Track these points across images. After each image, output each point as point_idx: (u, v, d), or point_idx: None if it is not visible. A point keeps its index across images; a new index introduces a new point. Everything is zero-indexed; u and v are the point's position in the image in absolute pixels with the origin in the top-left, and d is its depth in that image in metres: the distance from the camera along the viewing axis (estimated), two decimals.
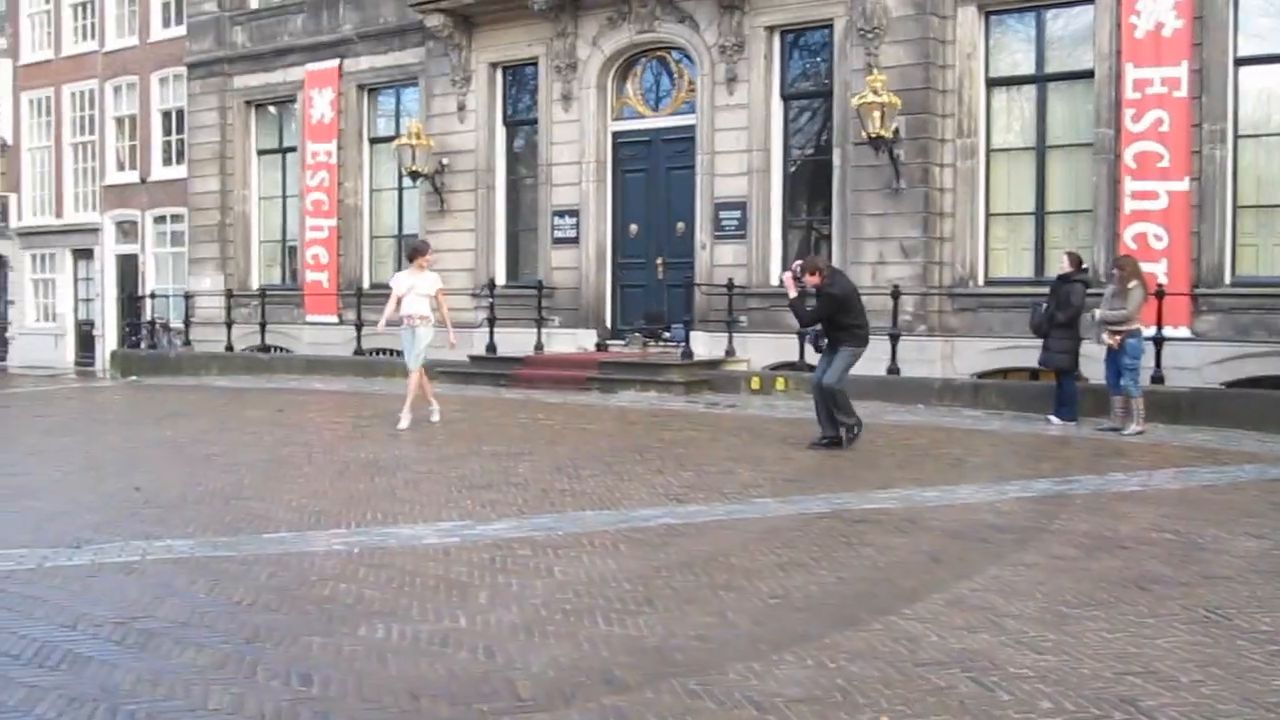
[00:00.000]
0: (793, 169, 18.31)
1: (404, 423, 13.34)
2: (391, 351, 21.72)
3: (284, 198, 24.96)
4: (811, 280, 11.45)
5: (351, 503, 8.99)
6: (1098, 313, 13.03)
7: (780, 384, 16.26)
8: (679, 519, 8.27)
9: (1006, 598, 6.13)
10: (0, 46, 30.75)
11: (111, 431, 14.52)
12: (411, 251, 14.34)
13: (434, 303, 13.78)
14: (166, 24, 27.13)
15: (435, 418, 13.74)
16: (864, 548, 7.30)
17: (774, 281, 18.00)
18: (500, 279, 20.90)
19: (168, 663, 5.15)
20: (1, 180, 31.39)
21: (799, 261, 12.16)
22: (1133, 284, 12.83)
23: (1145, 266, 13.84)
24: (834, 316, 11.47)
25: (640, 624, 5.69)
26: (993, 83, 16.72)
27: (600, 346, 19.39)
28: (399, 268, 23.81)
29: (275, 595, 6.24)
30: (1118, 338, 12.71)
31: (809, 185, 18.35)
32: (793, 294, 11.66)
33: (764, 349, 17.67)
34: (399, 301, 13.71)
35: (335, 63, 23.19)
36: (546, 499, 9.11)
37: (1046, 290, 14.00)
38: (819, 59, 18.00)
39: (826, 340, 11.71)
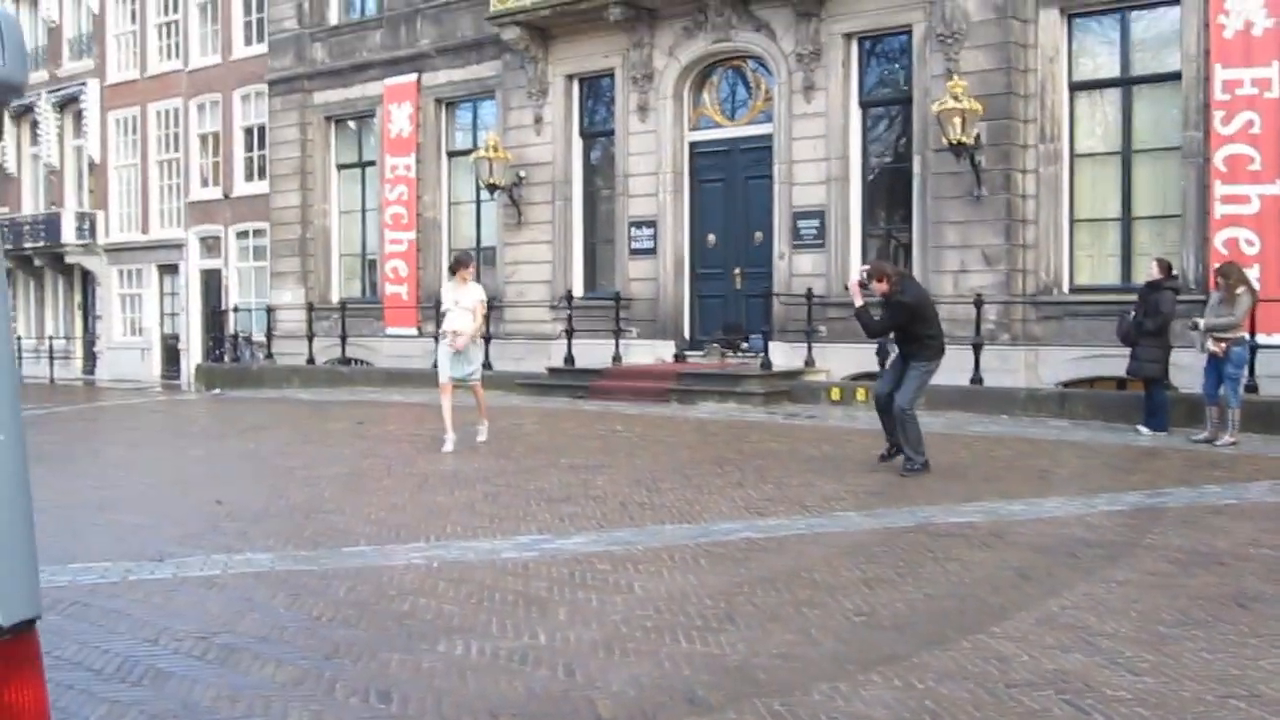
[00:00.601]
0: (872, 177, 18.12)
1: (447, 445, 12.61)
2: None
3: (363, 211, 25.21)
4: (879, 288, 10.52)
5: (430, 516, 8.98)
6: (1202, 320, 12.64)
7: (861, 395, 16.04)
8: (760, 533, 8.15)
9: (1099, 616, 5.94)
10: (88, 67, 31.43)
11: (195, 444, 14.70)
12: (454, 264, 13.66)
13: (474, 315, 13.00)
14: (248, 42, 27.56)
15: (482, 437, 13.14)
16: (950, 563, 7.14)
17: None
18: (578, 291, 20.90)
19: (247, 678, 5.15)
20: (90, 198, 32.10)
21: (865, 267, 11.50)
22: (1240, 290, 12.45)
23: None
24: (905, 327, 10.58)
25: (722, 642, 5.59)
26: (1076, 86, 16.41)
27: (678, 358, 19.31)
28: (478, 280, 24.06)
29: (354, 610, 6.23)
30: (1223, 345, 12.34)
31: (888, 193, 18.15)
32: (858, 302, 10.72)
33: (844, 359, 17.49)
34: (443, 316, 13.16)
35: (413, 77, 23.38)
36: (625, 512, 9.04)
37: (1134, 297, 13.68)
38: (897, 65, 17.81)
39: (899, 352, 10.92)
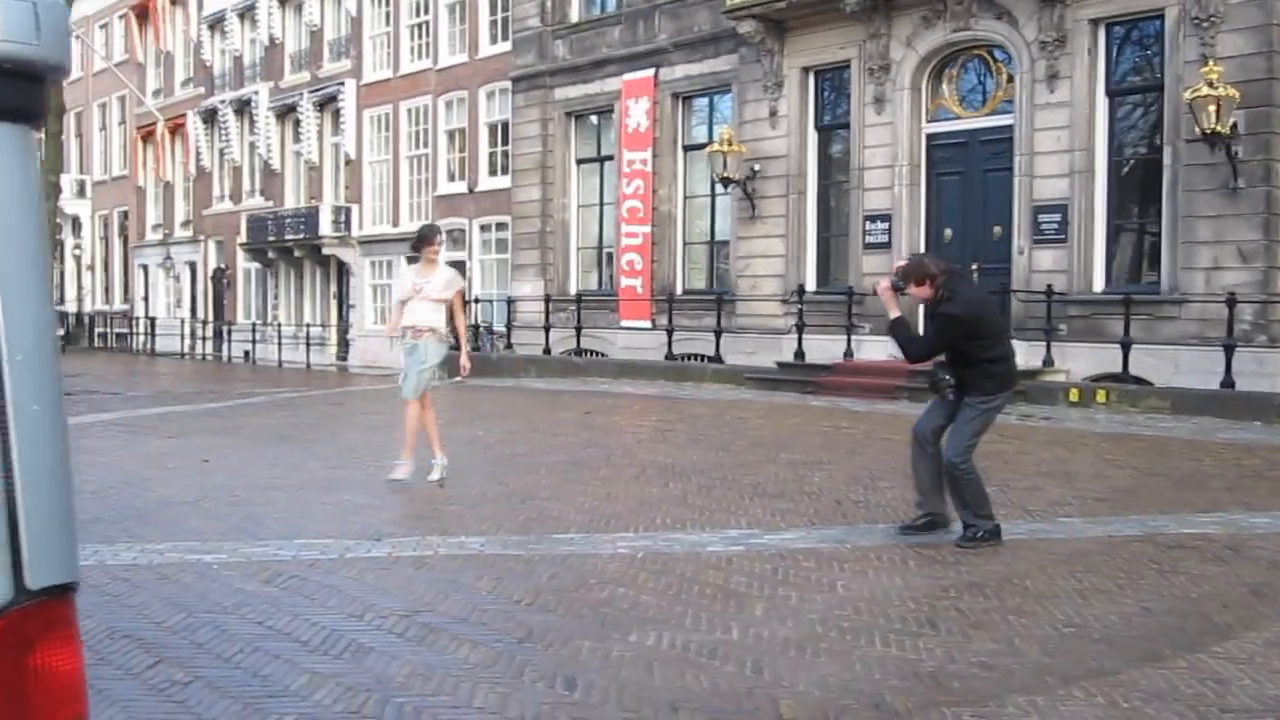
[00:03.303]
0: (1118, 169, 17.28)
1: (399, 472, 9.96)
2: (702, 356, 21.94)
3: (601, 205, 25.60)
4: (919, 292, 7.55)
5: (642, 507, 9.02)
6: None
7: (1101, 396, 15.35)
8: None
9: None
10: (345, 68, 32.93)
11: None
12: (417, 239, 10.50)
13: (448, 310, 10.20)
14: (494, 40, 28.33)
15: (436, 475, 9.97)
16: (1176, 576, 6.72)
17: (1097, 288, 17.08)
18: (810, 285, 20.70)
19: (442, 657, 5.27)
20: (345, 192, 33.63)
21: (900, 264, 8.27)
22: None
23: None
24: (957, 346, 7.52)
25: (920, 647, 5.41)
26: None
27: None
28: (712, 274, 24.17)
29: (553, 596, 6.30)
30: None
31: (1136, 186, 17.29)
32: (893, 312, 7.72)
33: (1085, 359, 16.77)
34: (402, 308, 10.25)
35: (651, 72, 23.59)
36: (839, 510, 8.88)
37: None
38: (1148, 51, 16.92)
39: (952, 381, 7.64)
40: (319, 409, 18.14)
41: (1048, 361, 16.77)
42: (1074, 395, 15.65)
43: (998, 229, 18.28)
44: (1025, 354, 17.04)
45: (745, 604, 6.16)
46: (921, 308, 7.76)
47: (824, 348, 19.14)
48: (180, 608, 6.10)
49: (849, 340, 19.00)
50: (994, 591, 6.38)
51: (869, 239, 19.72)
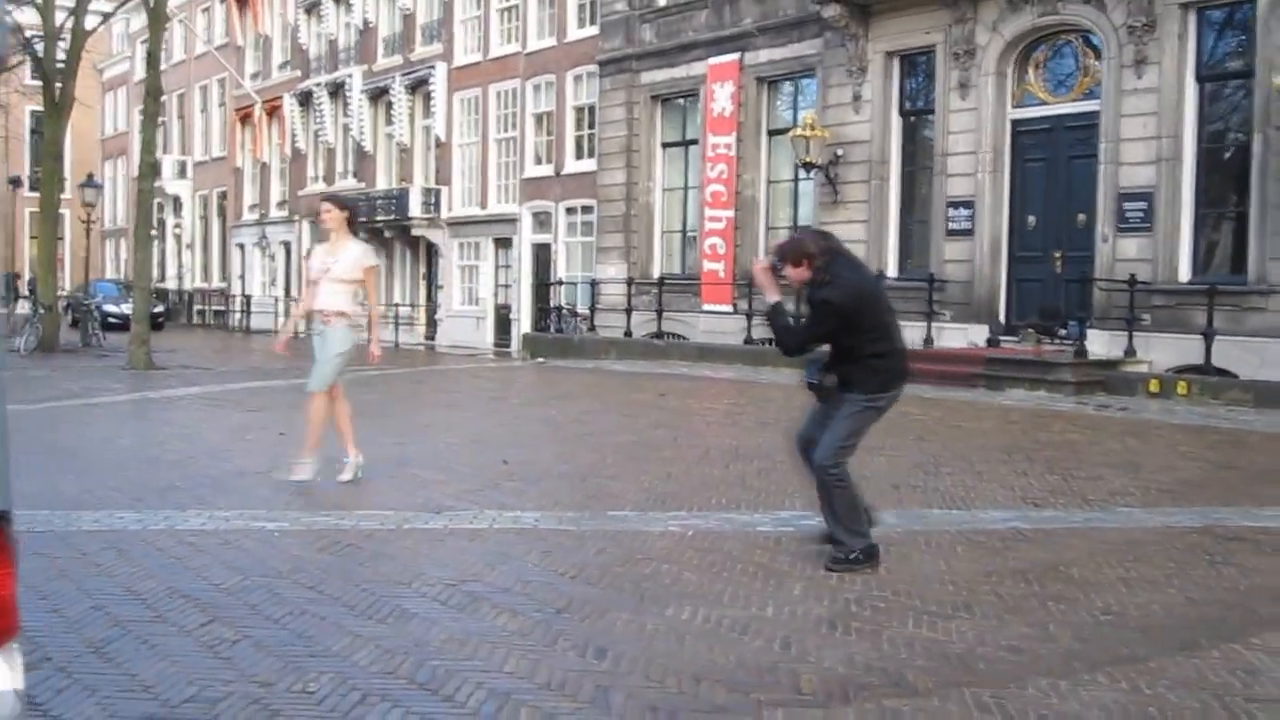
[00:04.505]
0: (1206, 156, 16.92)
1: (300, 473, 8.89)
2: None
3: (685, 189, 25.67)
4: (796, 275, 6.52)
5: (700, 487, 9.12)
6: None
7: (1182, 388, 15.11)
8: (1029, 524, 7.84)
9: None
10: (437, 51, 33.32)
11: (503, 409, 15.44)
12: (318, 215, 9.37)
13: (360, 292, 9.15)
14: (581, 24, 28.49)
15: (347, 475, 9.02)
16: (1227, 568, 6.65)
17: (1182, 278, 16.78)
18: (891, 272, 20.59)
19: (480, 624, 5.42)
20: (435, 174, 34.06)
21: (779, 244, 7.15)
22: None
23: None
24: (838, 337, 6.55)
25: (951, 629, 5.44)
26: None
27: (992, 342, 18.69)
28: None
29: (597, 570, 6.42)
30: None
31: (1224, 174, 16.95)
32: (771, 296, 6.70)
33: (1168, 350, 16.50)
34: (312, 289, 9.13)
35: (736, 56, 23.58)
36: (895, 495, 8.89)
37: None
38: (1238, 36, 16.57)
39: (833, 380, 6.66)
40: (399, 387, 18.47)
41: (1129, 351, 16.54)
42: (1154, 386, 15.42)
43: (1082, 216, 18.04)
44: (1107, 344, 16.88)
45: (785, 583, 6.23)
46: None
47: (904, 334, 18.97)
48: (238, 571, 6.33)
49: (929, 327, 18.89)
50: (1036, 578, 6.37)
51: (951, 225, 19.56)
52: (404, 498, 8.54)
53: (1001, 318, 19.14)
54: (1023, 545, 7.21)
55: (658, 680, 4.70)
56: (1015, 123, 19.03)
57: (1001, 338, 18.72)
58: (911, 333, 18.75)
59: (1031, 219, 18.88)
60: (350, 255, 8.95)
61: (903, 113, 20.83)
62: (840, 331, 6.46)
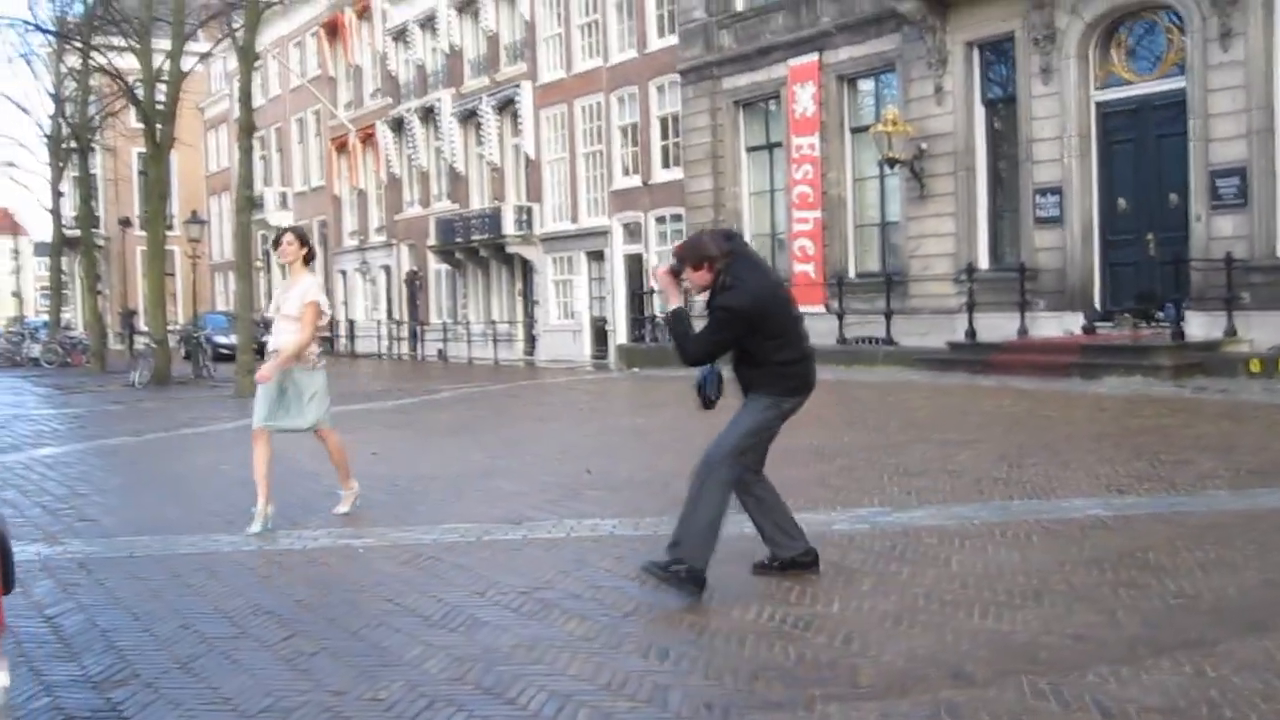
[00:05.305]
0: None
1: (255, 526, 8.15)
2: (874, 339, 21.82)
3: (771, 192, 25.68)
4: (697, 278, 6.10)
5: (781, 488, 9.11)
6: None
7: None
8: (1111, 511, 7.75)
9: None
10: (521, 70, 33.74)
11: (593, 420, 15.61)
12: (276, 241, 8.81)
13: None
14: (661, 34, 28.67)
15: (344, 507, 8.73)
16: None
17: None
18: (983, 263, 20.39)
19: (549, 630, 5.54)
20: (527, 191, 34.46)
21: (678, 245, 6.63)
22: None
23: None
24: (743, 344, 6.15)
25: (1016, 619, 5.43)
26: None
27: (1087, 330, 18.40)
28: (883, 257, 23.93)
29: None
30: None
31: None
32: (672, 302, 6.34)
33: (1270, 328, 16.09)
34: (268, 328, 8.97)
35: (815, 56, 23.54)
36: (977, 487, 8.85)
37: None
38: None
39: (717, 395, 6.41)
40: (496, 403, 18.76)
41: (1229, 331, 16.20)
42: (1255, 366, 15.07)
43: (1174, 196, 17.70)
44: (1205, 325, 16.55)
45: (854, 579, 6.26)
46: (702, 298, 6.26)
47: (997, 326, 18.85)
48: (321, 587, 6.55)
49: (1022, 317, 18.67)
50: (1111, 566, 6.31)
51: (1039, 213, 19.32)
52: (487, 510, 8.71)
53: (1096, 304, 18.83)
54: (1101, 533, 7.14)
55: (715, 679, 4.78)
56: (1100, 105, 18.73)
57: (1097, 324, 18.42)
58: (1005, 324, 18.63)
59: (1122, 202, 18.56)
60: (297, 290, 8.40)
61: (985, 102, 20.62)
62: (744, 337, 6.06)
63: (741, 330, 6.01)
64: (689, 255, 6.10)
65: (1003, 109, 20.44)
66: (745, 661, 4.97)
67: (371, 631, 5.66)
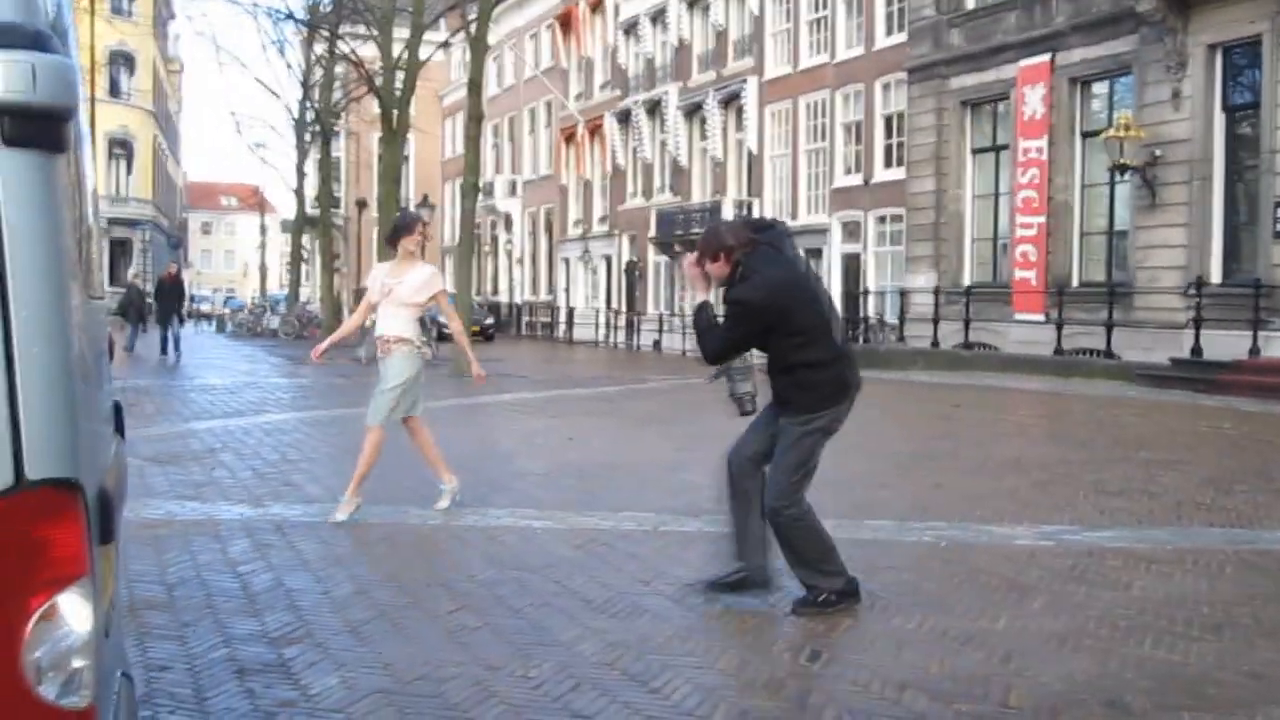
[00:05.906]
0: None
1: (340, 514, 7.94)
2: (1093, 351, 21.06)
3: (995, 196, 25.04)
4: (716, 270, 5.76)
5: (966, 499, 8.96)
6: None
7: None
8: None
9: None
10: (748, 66, 33.78)
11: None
12: (391, 231, 8.67)
13: (428, 317, 8.11)
14: (889, 32, 28.29)
15: (444, 503, 8.37)
16: None
17: None
18: (1214, 277, 19.44)
19: (705, 623, 5.62)
20: (748, 187, 34.49)
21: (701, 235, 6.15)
22: None
23: None
24: (767, 342, 5.78)
25: (1191, 651, 5.19)
26: None
27: None
28: (1109, 266, 23.03)
29: None
30: None
31: None
32: (698, 295, 5.95)
33: None
34: (369, 313, 8.66)
35: (1047, 57, 22.82)
36: (1175, 511, 8.47)
37: None
38: None
39: (751, 391, 6.10)
40: (697, 394, 18.82)
41: None
42: None
43: None
44: None
45: (1026, 597, 6.08)
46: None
47: (1226, 344, 17.93)
48: (495, 564, 6.74)
49: (1255, 336, 17.73)
50: None
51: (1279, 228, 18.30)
52: (668, 500, 8.80)
53: None
54: None
55: (862, 685, 4.73)
56: None
57: None
58: (1235, 342, 17.73)
59: None
60: (418, 277, 8.19)
61: (1226, 108, 19.62)
62: (765, 334, 5.66)
63: (758, 326, 5.64)
64: (707, 246, 5.78)
65: (1244, 116, 19.41)
66: (896, 670, 4.90)
67: (535, 611, 5.80)
